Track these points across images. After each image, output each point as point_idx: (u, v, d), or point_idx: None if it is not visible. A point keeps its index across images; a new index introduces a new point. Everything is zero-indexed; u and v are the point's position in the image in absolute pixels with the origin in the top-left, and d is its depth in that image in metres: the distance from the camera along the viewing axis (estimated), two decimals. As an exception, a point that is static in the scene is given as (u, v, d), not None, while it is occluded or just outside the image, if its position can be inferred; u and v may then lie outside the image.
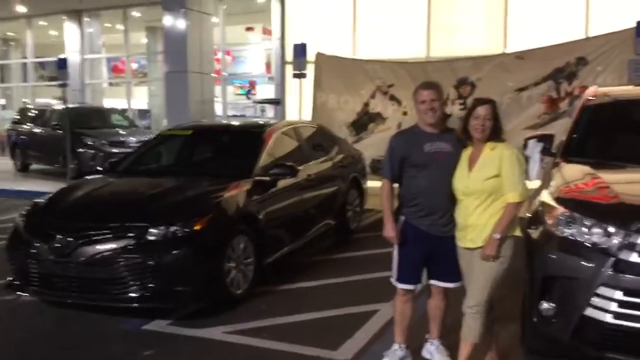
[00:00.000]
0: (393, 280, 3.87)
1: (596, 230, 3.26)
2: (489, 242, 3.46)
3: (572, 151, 4.41)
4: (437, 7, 11.30)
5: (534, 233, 3.63)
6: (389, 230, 3.74)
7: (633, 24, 8.56)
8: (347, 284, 5.72)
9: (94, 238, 4.66)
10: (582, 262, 3.23)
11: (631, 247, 3.09)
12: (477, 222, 3.53)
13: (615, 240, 3.15)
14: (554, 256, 3.38)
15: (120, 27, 19.29)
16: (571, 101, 9.04)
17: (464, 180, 3.60)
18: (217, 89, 18.69)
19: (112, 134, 13.06)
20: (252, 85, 23.97)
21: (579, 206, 3.46)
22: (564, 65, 9.20)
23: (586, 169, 3.99)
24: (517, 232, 3.54)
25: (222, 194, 5.13)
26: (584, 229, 3.31)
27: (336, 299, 5.26)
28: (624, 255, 3.10)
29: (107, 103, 22.69)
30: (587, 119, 4.66)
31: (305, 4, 12.10)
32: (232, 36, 20.76)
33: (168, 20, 13.17)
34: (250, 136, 6.28)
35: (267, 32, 18.02)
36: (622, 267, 3.09)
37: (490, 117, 3.55)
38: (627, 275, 3.07)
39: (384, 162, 3.85)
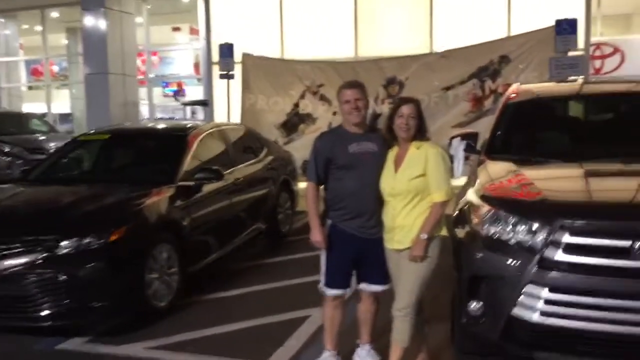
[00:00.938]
0: (321, 285, 3.75)
1: (521, 227, 3.24)
2: (416, 242, 3.41)
3: (495, 148, 4.41)
4: (364, 6, 11.30)
5: (460, 232, 3.60)
6: (316, 235, 3.62)
7: (553, 23, 8.81)
8: (278, 290, 5.56)
9: (2, 253, 4.31)
10: (508, 261, 3.20)
11: (556, 244, 3.08)
12: (404, 223, 3.47)
13: (540, 238, 3.14)
14: (480, 255, 3.34)
15: (39, 28, 18.36)
16: (495, 99, 9.22)
17: (390, 180, 3.53)
18: (144, 91, 18.15)
19: (31, 140, 12.33)
20: (180, 86, 23.41)
21: (503, 204, 3.44)
22: (488, 64, 9.39)
23: (510, 166, 3.99)
24: (444, 232, 3.51)
25: (141, 201, 4.86)
26: (509, 227, 3.28)
27: (267, 306, 5.10)
28: (549, 253, 3.08)
29: (27, 107, 21.63)
30: (510, 116, 4.69)
31: (232, 3, 11.83)
32: (158, 37, 20.15)
33: (87, 20, 12.61)
34: (173, 140, 6.00)
35: (194, 32, 17.61)
36: (548, 264, 3.08)
37: (414, 116, 3.50)
38: (553, 273, 3.05)
39: (308, 164, 3.72)
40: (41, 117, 14.75)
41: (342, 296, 3.73)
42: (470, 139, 4.57)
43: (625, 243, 2.98)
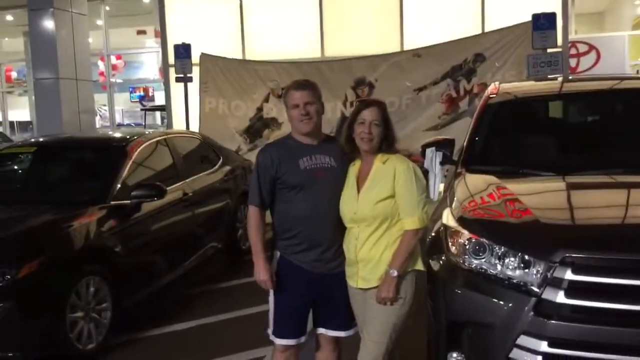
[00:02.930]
0: (269, 333, 3.06)
1: (510, 260, 2.60)
2: (384, 281, 2.76)
3: (474, 158, 3.76)
4: (330, 2, 10.63)
5: (435, 264, 2.94)
6: (260, 272, 2.93)
7: (529, 18, 8.28)
8: (231, 322, 4.86)
9: None
10: (496, 304, 2.55)
11: (556, 282, 2.43)
12: (369, 255, 2.82)
13: (536, 274, 2.50)
14: (460, 295, 2.69)
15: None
16: (471, 100, 8.70)
17: (351, 203, 2.87)
18: (104, 97, 17.29)
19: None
20: (147, 91, 22.53)
21: (487, 228, 2.80)
22: (462, 62, 8.83)
23: (492, 179, 3.36)
24: (419, 266, 2.86)
25: (62, 227, 4.13)
26: (495, 260, 2.64)
27: (216, 343, 4.42)
28: (548, 295, 2.43)
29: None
30: (490, 119, 4.04)
31: (189, 2, 11.07)
32: (122, 40, 19.33)
33: (34, 21, 11.71)
34: (109, 151, 5.25)
35: (158, 34, 16.83)
36: (547, 309, 2.43)
37: (378, 122, 2.85)
38: (553, 321, 2.40)
39: (250, 183, 3.04)
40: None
41: (295, 346, 3.04)
42: (445, 147, 3.91)
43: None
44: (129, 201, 4.73)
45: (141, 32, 20.18)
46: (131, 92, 23.99)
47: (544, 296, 2.44)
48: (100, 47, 16.77)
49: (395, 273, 2.73)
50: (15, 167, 5.45)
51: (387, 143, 2.85)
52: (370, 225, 2.81)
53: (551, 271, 2.45)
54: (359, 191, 2.86)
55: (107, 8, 16.11)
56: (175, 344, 4.47)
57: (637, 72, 14.28)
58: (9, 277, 3.63)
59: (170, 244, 5.30)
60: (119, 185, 4.77)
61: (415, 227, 2.75)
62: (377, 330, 2.80)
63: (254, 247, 2.96)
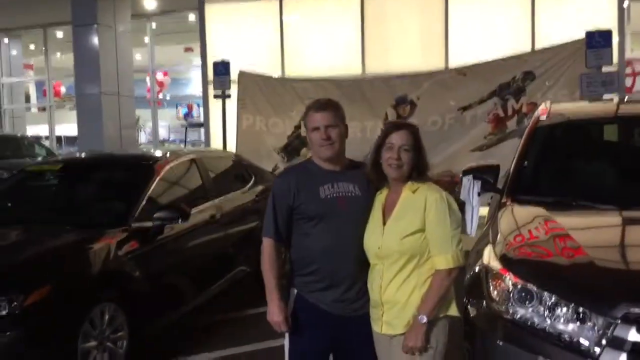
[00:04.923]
0: (286, 380, 2.75)
1: (562, 312, 2.22)
2: (412, 327, 2.42)
3: (522, 186, 3.38)
4: (372, 19, 10.35)
5: (474, 311, 2.56)
6: (274, 314, 2.62)
7: (582, 35, 7.81)
8: (256, 355, 4.55)
9: None
10: (544, 363, 2.16)
11: (617, 343, 2.04)
12: (395, 297, 2.49)
13: (592, 331, 2.10)
14: (501, 350, 2.31)
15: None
16: (519, 119, 8.29)
17: (376, 237, 2.55)
18: (148, 113, 17.45)
19: (22, 164, 11.62)
20: (190, 108, 22.76)
21: (535, 272, 2.43)
22: (510, 81, 8.45)
23: (541, 211, 2.97)
24: (453, 311, 2.49)
25: (77, 251, 3.92)
26: (544, 310, 2.26)
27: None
28: (607, 357, 2.04)
29: (33, 130, 21.13)
30: (540, 143, 3.65)
31: (229, 19, 11.00)
32: (169, 57, 19.58)
33: (78, 36, 11.86)
34: (135, 171, 5.05)
35: (204, 52, 16.90)
36: (606, 375, 2.04)
37: (409, 148, 2.52)
38: (614, 391, 2.01)
39: (265, 213, 2.74)
40: (33, 140, 14.05)
41: (312, 395, 2.71)
42: (488, 173, 3.53)
43: None
44: (151, 223, 4.50)
45: (188, 50, 20.38)
46: (177, 108, 24.36)
47: (602, 359, 2.04)
48: (146, 64, 16.98)
49: (425, 319, 2.39)
50: (40, 185, 5.32)
51: (418, 171, 2.52)
52: (396, 263, 2.48)
53: (611, 329, 2.06)
54: (384, 223, 2.53)
55: (154, 26, 16.28)
56: (194, 377, 4.21)
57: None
58: (15, 303, 3.42)
59: (194, 269, 5.05)
60: (142, 207, 4.55)
61: (448, 266, 2.40)
62: (403, 383, 2.45)
63: (268, 285, 2.67)
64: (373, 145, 2.65)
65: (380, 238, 2.53)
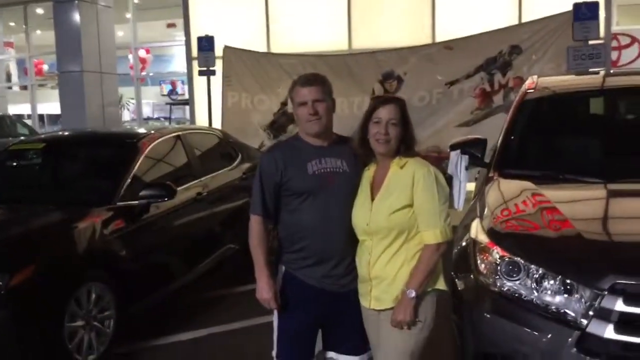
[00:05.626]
0: (274, 355, 2.75)
1: (549, 284, 2.23)
2: (400, 302, 2.41)
3: (509, 160, 3.38)
4: (358, -7, 10.25)
5: (462, 284, 2.57)
6: (263, 290, 2.62)
7: (569, 7, 7.76)
8: (244, 331, 4.56)
9: None
10: (532, 336, 2.18)
11: (604, 314, 2.05)
12: (383, 272, 2.48)
13: (580, 303, 2.12)
14: (490, 322, 2.33)
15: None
16: (506, 94, 8.21)
17: (364, 213, 2.53)
18: (132, 91, 17.21)
19: (4, 144, 11.45)
20: (174, 85, 22.47)
21: (522, 245, 2.43)
22: (497, 55, 8.33)
23: (528, 184, 2.97)
24: (441, 285, 2.50)
25: (62, 230, 3.88)
26: (531, 282, 2.27)
27: (227, 354, 4.11)
28: (594, 328, 2.06)
29: (15, 109, 20.79)
30: (527, 117, 3.64)
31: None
32: (151, 33, 19.23)
33: (59, 13, 11.60)
34: (119, 148, 4.98)
35: (188, 27, 16.61)
36: (593, 346, 2.05)
37: (397, 122, 2.49)
38: (601, 360, 2.03)
39: (252, 190, 2.71)
40: (12, 118, 13.84)
41: (301, 370, 2.72)
42: (475, 147, 3.52)
43: None
44: (137, 202, 4.46)
45: (171, 25, 20.03)
46: (161, 86, 23.99)
47: (589, 330, 2.07)
48: (129, 40, 16.69)
49: (413, 293, 2.39)
50: (24, 165, 5.23)
51: (405, 145, 2.50)
52: (385, 238, 2.47)
53: (598, 300, 2.07)
54: (372, 199, 2.52)
55: (136, 1, 15.98)
56: (182, 355, 4.21)
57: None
58: (1, 284, 3.39)
59: (182, 247, 5.04)
60: (127, 185, 4.50)
61: (436, 241, 2.40)
62: (392, 357, 2.46)
63: (256, 262, 2.65)
64: (360, 120, 2.62)
65: (369, 214, 2.51)
